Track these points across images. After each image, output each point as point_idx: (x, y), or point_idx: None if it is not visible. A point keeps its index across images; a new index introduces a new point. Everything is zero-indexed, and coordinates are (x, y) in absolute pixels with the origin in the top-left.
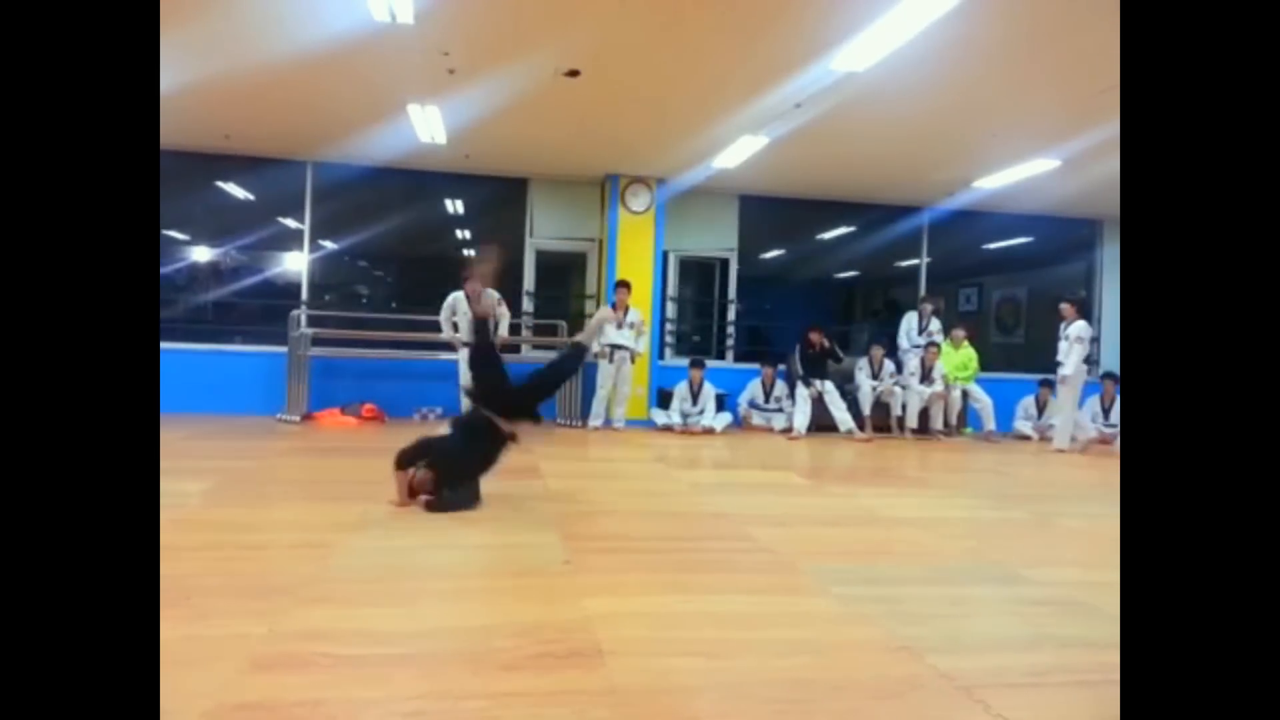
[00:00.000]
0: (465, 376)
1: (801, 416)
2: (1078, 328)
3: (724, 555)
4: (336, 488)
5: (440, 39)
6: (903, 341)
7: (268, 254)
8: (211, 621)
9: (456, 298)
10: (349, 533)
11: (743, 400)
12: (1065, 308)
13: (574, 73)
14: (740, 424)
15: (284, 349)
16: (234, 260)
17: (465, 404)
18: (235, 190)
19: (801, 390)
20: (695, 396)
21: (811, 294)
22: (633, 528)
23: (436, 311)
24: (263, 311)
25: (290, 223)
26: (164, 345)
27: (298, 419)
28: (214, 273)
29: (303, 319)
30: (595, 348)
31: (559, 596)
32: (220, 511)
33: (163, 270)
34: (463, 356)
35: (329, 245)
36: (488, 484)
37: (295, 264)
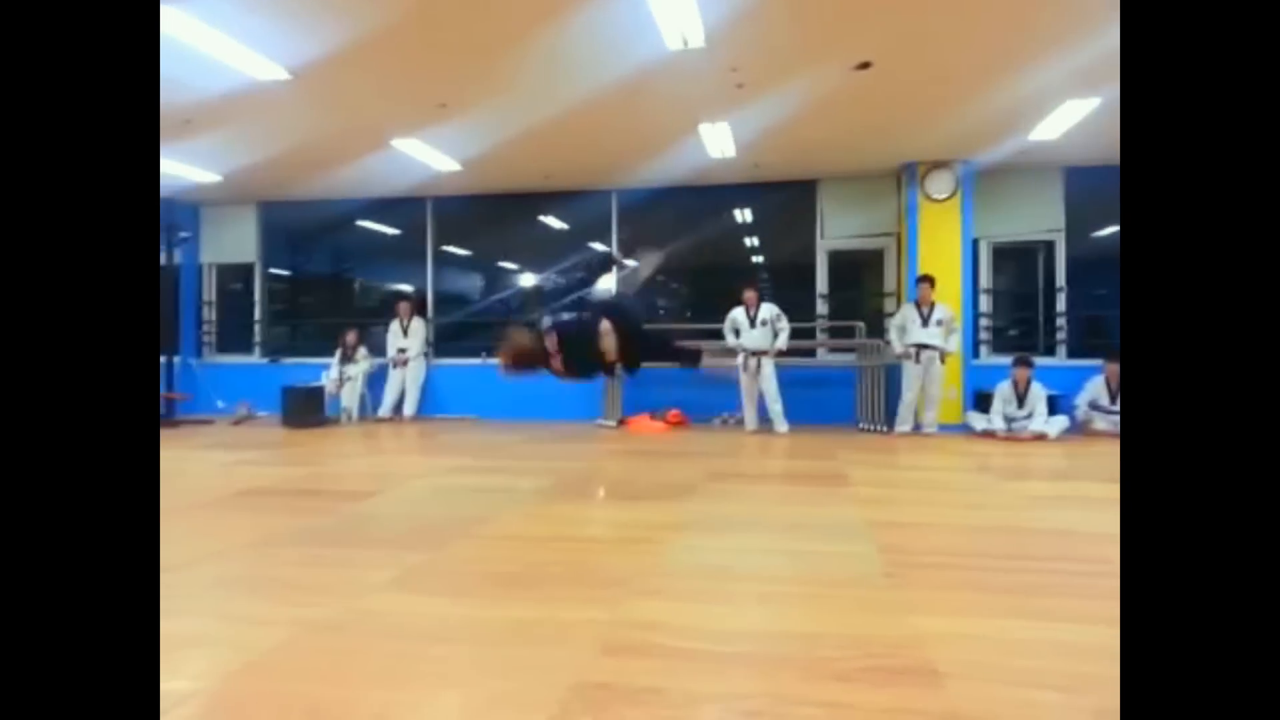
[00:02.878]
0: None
1: None
2: None
3: (1076, 579)
4: (653, 488)
5: (729, 57)
6: None
7: (580, 275)
8: (562, 605)
9: (736, 312)
10: (670, 530)
11: (1081, 401)
12: None
13: (865, 65)
14: (1079, 429)
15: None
16: (554, 283)
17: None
18: (553, 222)
19: None
20: (1021, 398)
21: None
22: (959, 542)
23: (722, 319)
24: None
25: (599, 246)
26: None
27: (614, 424)
28: (538, 295)
29: None
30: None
31: (883, 610)
32: (558, 507)
33: (498, 296)
34: (740, 363)
35: (631, 264)
36: (793, 490)
37: (604, 283)
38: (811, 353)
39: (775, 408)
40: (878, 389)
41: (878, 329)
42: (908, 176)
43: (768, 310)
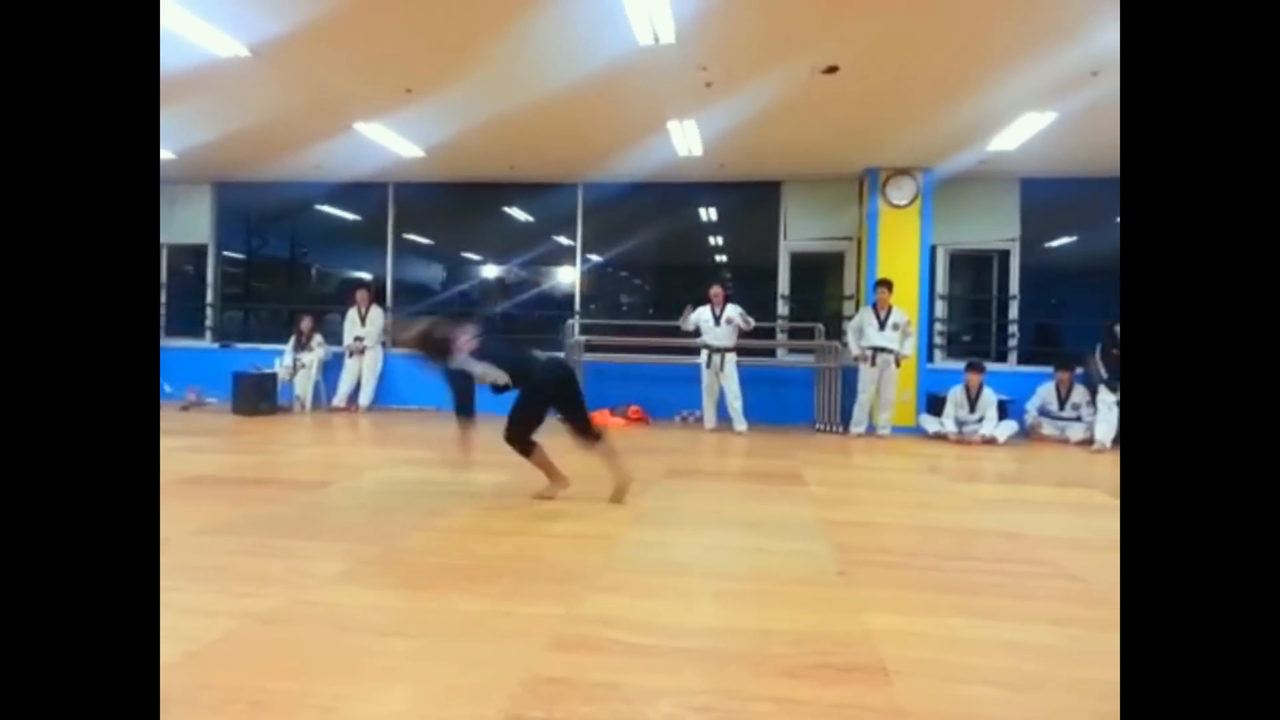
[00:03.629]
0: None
1: (1106, 426)
2: None
3: (1020, 580)
4: (609, 483)
5: (699, 54)
6: None
7: (544, 269)
8: (517, 600)
9: (702, 309)
10: (627, 526)
11: (1031, 407)
12: None
13: (832, 69)
14: (1028, 434)
15: (560, 354)
16: (516, 276)
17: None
18: (517, 214)
19: (1105, 396)
20: (973, 403)
21: (1111, 287)
22: (910, 542)
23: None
24: (542, 321)
25: (564, 240)
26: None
27: None
28: (501, 287)
29: (576, 327)
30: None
31: (835, 608)
32: (514, 502)
33: (459, 288)
34: (703, 360)
35: (595, 259)
36: (750, 488)
37: (567, 277)
38: (771, 352)
39: (736, 405)
40: (835, 390)
41: (836, 331)
42: (870, 182)
43: (732, 310)
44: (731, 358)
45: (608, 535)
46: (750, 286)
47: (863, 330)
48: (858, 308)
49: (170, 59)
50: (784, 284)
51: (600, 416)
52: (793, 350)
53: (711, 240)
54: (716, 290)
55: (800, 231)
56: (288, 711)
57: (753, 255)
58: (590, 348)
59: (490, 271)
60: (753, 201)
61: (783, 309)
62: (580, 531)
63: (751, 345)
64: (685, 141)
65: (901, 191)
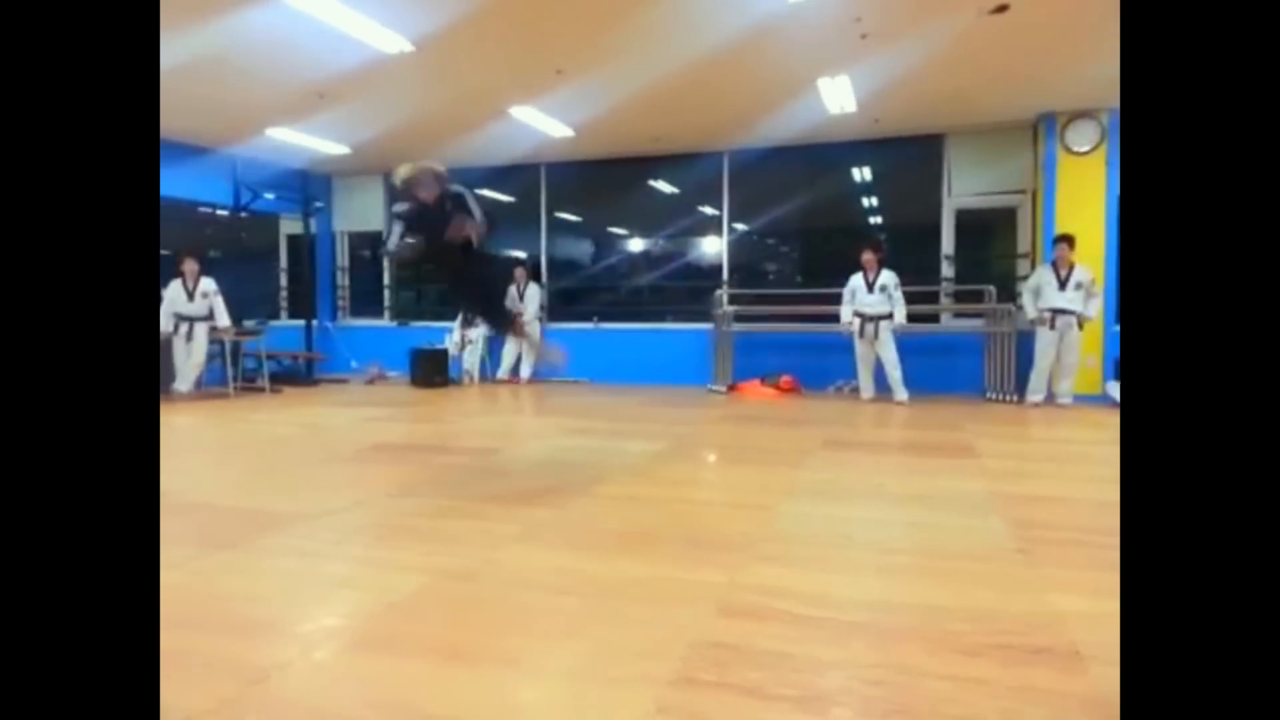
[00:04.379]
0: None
1: None
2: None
3: None
4: (763, 454)
5: (853, 6)
6: None
7: (690, 240)
8: (680, 565)
9: (855, 278)
10: (784, 497)
11: None
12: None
13: (1002, 8)
14: None
15: (709, 325)
16: (662, 248)
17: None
18: (663, 186)
19: None
20: None
21: None
22: (1098, 519)
23: (842, 284)
24: (689, 292)
25: (709, 209)
26: (613, 325)
27: (724, 389)
28: (647, 260)
29: (724, 298)
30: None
31: (1015, 587)
32: (672, 470)
33: (607, 261)
34: (855, 328)
35: (741, 227)
36: (914, 460)
37: (713, 247)
38: (935, 318)
39: (895, 375)
40: (1007, 357)
41: (1008, 293)
42: (1046, 128)
43: (887, 276)
44: (887, 325)
45: (764, 506)
46: (909, 248)
47: (1040, 291)
48: (1033, 266)
49: (342, 58)
50: (948, 243)
51: (750, 387)
52: (959, 315)
53: (865, 201)
54: (869, 256)
55: (966, 186)
56: (476, 660)
57: (912, 215)
58: (739, 318)
59: (636, 245)
60: (911, 157)
61: (947, 270)
62: (736, 501)
63: (914, 311)
64: (837, 99)
65: (1083, 136)
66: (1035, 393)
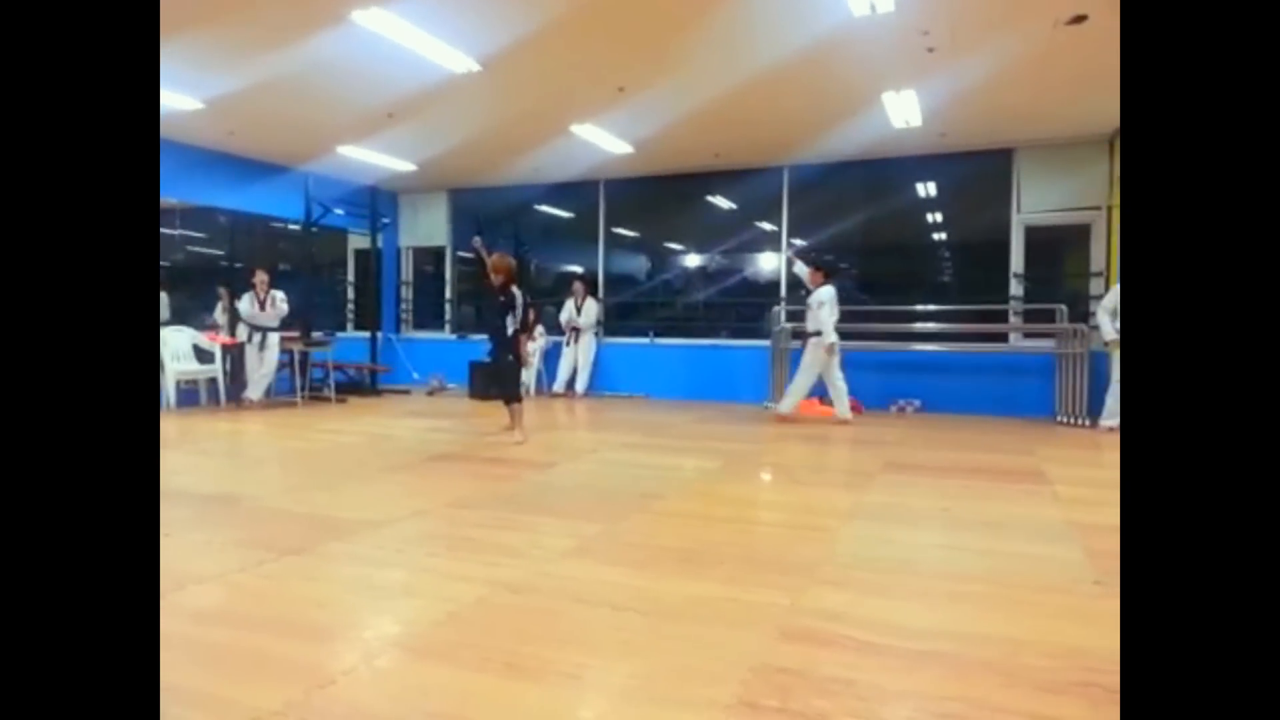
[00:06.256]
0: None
1: None
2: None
3: None
4: (823, 474)
5: (921, 19)
6: None
7: (746, 256)
8: (739, 586)
9: None
10: (845, 519)
11: None
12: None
13: (1080, 18)
14: None
15: (766, 343)
16: (718, 264)
17: None
18: (720, 202)
19: None
20: None
21: None
22: None
23: (907, 300)
24: (744, 309)
25: (766, 225)
26: (670, 340)
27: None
28: (704, 276)
29: (782, 314)
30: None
31: (1096, 621)
32: (728, 488)
33: (663, 276)
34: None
35: (799, 243)
36: (982, 485)
37: (769, 263)
38: (1003, 337)
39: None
40: (1081, 378)
41: (1080, 312)
42: None
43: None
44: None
45: (825, 528)
46: (975, 265)
47: (1118, 311)
48: (1107, 286)
49: (410, 77)
50: (1017, 261)
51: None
52: (1028, 335)
53: (929, 217)
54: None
55: (1037, 202)
56: (539, 674)
57: (979, 231)
58: (796, 335)
59: (693, 260)
60: (978, 172)
61: (1016, 289)
62: (795, 522)
63: (980, 330)
64: (902, 113)
65: None
66: (1111, 416)
